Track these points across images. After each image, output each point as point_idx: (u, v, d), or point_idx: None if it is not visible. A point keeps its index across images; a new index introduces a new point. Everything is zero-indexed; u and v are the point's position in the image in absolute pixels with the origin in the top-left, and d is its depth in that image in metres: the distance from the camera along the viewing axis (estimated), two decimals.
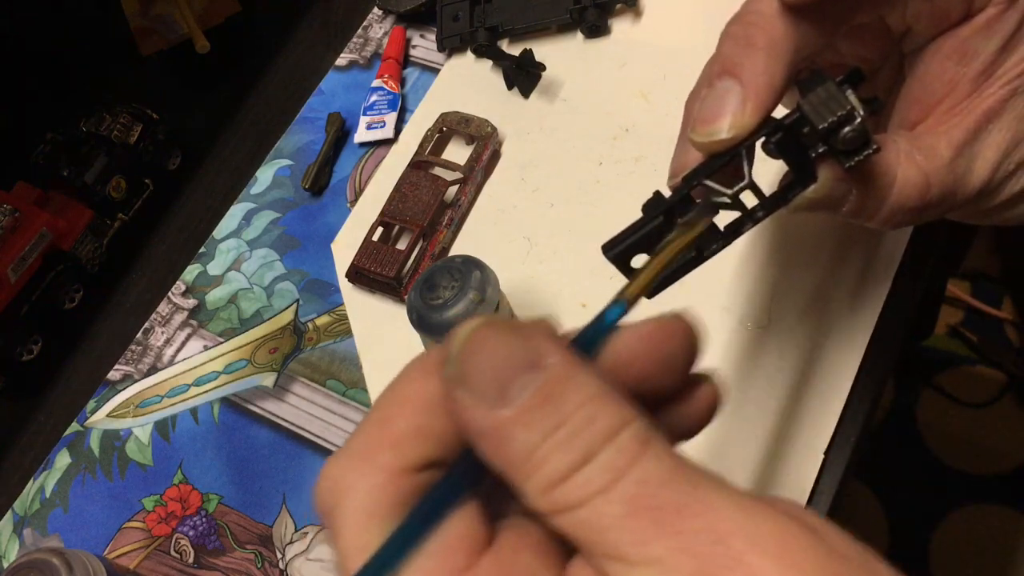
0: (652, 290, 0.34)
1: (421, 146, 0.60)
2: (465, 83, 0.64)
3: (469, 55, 0.65)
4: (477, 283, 0.48)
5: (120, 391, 0.60)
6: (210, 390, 0.58)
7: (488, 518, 0.23)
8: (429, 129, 0.61)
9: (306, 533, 0.53)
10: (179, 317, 0.61)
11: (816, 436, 0.48)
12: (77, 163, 0.65)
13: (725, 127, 0.33)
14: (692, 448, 0.24)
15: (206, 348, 0.60)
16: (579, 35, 0.64)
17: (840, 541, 0.21)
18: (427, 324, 0.48)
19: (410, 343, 0.52)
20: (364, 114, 0.64)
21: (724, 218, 0.33)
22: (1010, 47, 0.35)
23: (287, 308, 0.60)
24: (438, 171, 0.59)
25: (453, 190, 0.58)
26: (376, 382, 0.56)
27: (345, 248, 0.60)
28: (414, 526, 0.22)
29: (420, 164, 0.59)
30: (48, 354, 0.64)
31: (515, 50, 0.62)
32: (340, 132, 0.65)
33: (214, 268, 0.62)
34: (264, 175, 0.65)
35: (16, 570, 0.44)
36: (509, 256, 0.57)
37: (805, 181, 0.34)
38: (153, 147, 0.69)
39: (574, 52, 0.63)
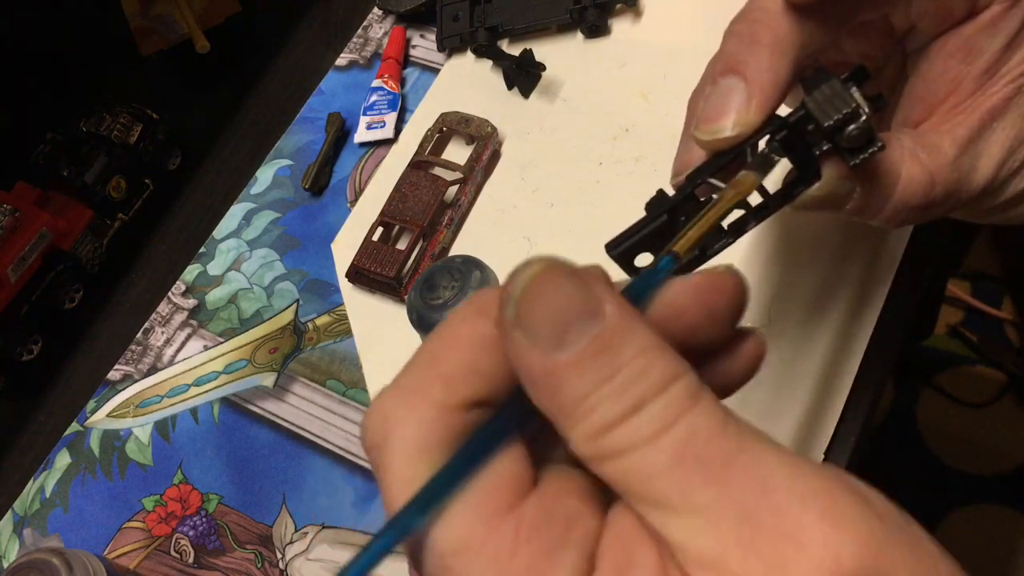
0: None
1: (421, 146, 0.60)
2: (465, 83, 0.64)
3: (469, 55, 0.65)
4: (477, 283, 0.48)
5: (120, 391, 0.59)
6: (210, 390, 0.58)
7: (534, 463, 0.23)
8: (429, 129, 0.61)
9: (306, 533, 0.53)
10: (179, 317, 0.61)
11: (816, 436, 0.48)
12: (77, 163, 0.65)
13: (729, 125, 0.33)
14: None
15: (206, 348, 0.60)
16: (579, 35, 0.63)
17: (884, 505, 0.21)
18: (427, 324, 0.48)
19: (410, 343, 0.51)
20: (364, 114, 0.64)
21: (727, 216, 0.33)
22: (1014, 45, 0.35)
23: (287, 308, 0.60)
24: (438, 171, 0.59)
25: (453, 190, 0.58)
26: (376, 382, 0.56)
27: (345, 248, 0.60)
28: (462, 463, 0.22)
29: (420, 164, 0.59)
30: (48, 354, 0.64)
31: (515, 50, 0.62)
32: (340, 132, 0.65)
33: (214, 268, 0.62)
34: (264, 175, 0.65)
35: (16, 570, 0.44)
36: (509, 256, 0.57)
37: (809, 179, 0.33)
38: (153, 147, 0.69)
39: (574, 52, 0.63)
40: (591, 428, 0.21)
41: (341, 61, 0.69)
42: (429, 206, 0.57)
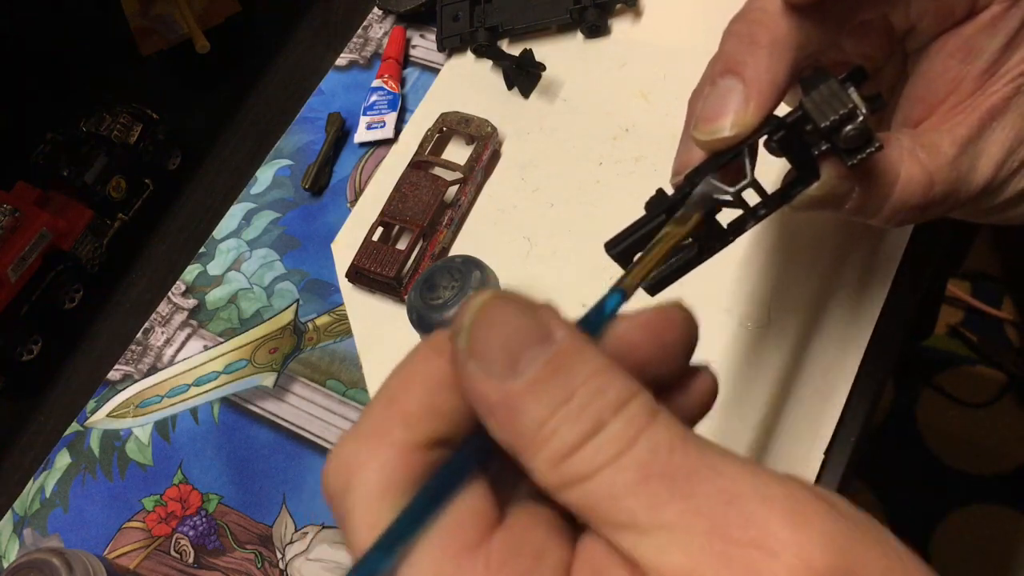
0: (654, 286, 0.34)
1: (421, 146, 0.60)
2: (465, 83, 0.64)
3: (469, 55, 0.65)
4: (477, 283, 0.48)
5: (120, 391, 0.59)
6: (210, 390, 0.58)
7: (498, 499, 0.23)
8: (429, 129, 0.61)
9: (306, 533, 0.53)
10: (179, 317, 0.61)
11: (816, 436, 0.48)
12: (77, 163, 0.65)
13: (728, 125, 0.33)
14: None
15: (206, 348, 0.60)
16: (579, 35, 0.63)
17: (847, 507, 0.22)
18: (427, 324, 0.48)
19: (410, 343, 0.51)
20: (364, 114, 0.64)
21: (727, 216, 0.33)
22: (1014, 44, 0.35)
23: (287, 308, 0.60)
24: (438, 171, 0.59)
25: (453, 190, 0.58)
26: (376, 382, 0.56)
27: (345, 248, 0.60)
28: (425, 502, 0.22)
29: (420, 164, 0.59)
30: (48, 354, 0.64)
31: (515, 50, 0.62)
32: (340, 132, 0.65)
33: (214, 268, 0.62)
34: (264, 175, 0.65)
35: (16, 570, 0.44)
36: (509, 256, 0.57)
37: (808, 179, 0.33)
38: (153, 147, 0.69)
39: (574, 52, 0.63)
40: (552, 454, 0.21)
41: (341, 61, 0.69)
42: (429, 206, 0.57)
